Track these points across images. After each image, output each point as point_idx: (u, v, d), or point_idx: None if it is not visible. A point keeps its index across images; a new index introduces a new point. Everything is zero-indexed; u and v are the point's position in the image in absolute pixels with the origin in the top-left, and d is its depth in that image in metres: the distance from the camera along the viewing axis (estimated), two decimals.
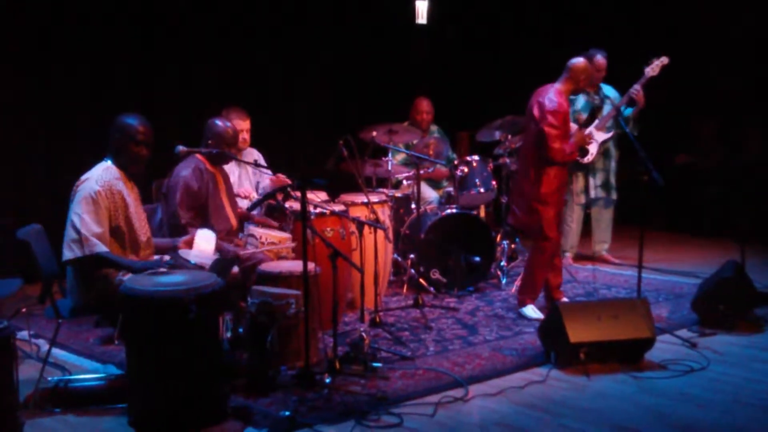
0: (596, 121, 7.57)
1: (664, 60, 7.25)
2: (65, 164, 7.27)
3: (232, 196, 5.70)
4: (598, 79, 7.59)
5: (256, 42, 8.56)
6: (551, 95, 5.87)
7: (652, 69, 7.25)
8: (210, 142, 5.47)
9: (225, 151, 5.48)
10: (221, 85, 8.09)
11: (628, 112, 7.49)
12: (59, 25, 7.33)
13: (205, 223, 5.30)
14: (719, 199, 9.62)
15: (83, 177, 4.73)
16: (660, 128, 9.71)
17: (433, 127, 7.96)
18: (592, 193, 7.77)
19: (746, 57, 9.85)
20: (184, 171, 5.36)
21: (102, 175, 4.68)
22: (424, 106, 7.81)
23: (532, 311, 6.11)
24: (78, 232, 4.53)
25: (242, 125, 6.32)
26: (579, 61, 5.99)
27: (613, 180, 7.79)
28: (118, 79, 7.58)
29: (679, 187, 9.77)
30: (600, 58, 7.55)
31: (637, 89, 7.30)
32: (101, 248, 4.55)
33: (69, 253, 4.56)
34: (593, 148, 7.56)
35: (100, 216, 4.59)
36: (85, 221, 4.53)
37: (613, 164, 7.78)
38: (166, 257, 4.84)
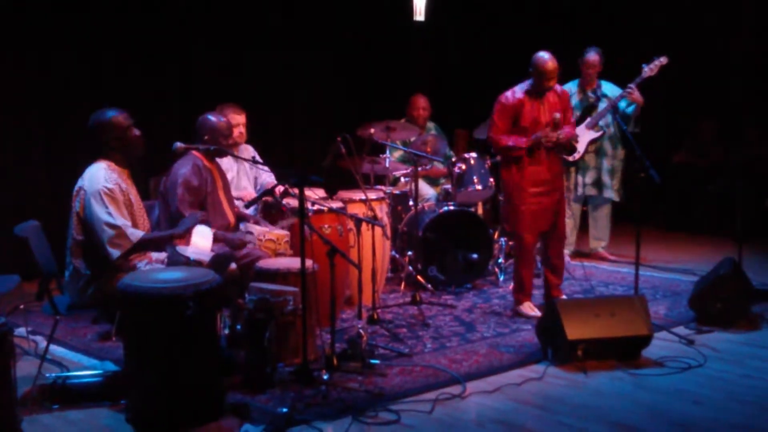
0: (587, 120, 7.58)
1: (663, 60, 7.26)
2: (63, 161, 7.27)
3: (229, 193, 5.69)
4: (591, 76, 7.60)
5: (253, 38, 8.55)
6: (512, 89, 6.05)
7: (651, 69, 7.26)
8: (206, 137, 5.44)
9: (222, 146, 5.47)
10: (219, 83, 8.08)
11: (631, 110, 7.48)
12: (57, 22, 7.32)
13: (204, 220, 5.29)
14: (717, 197, 9.62)
15: (85, 181, 4.69)
16: (659, 127, 9.74)
17: (431, 125, 7.96)
18: (579, 191, 7.77)
19: (746, 57, 9.86)
20: (183, 168, 5.34)
21: (107, 174, 4.69)
22: (421, 102, 7.82)
23: (528, 308, 6.12)
24: (115, 227, 4.59)
25: (238, 119, 6.30)
26: (537, 55, 5.90)
27: (606, 179, 7.77)
28: (116, 77, 7.56)
29: (677, 185, 9.78)
30: (591, 55, 7.55)
31: (631, 88, 7.30)
32: (139, 233, 4.67)
33: (117, 251, 4.60)
34: (581, 146, 7.58)
35: (122, 208, 4.67)
36: (115, 216, 4.60)
37: (607, 163, 7.75)
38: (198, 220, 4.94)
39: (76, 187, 4.71)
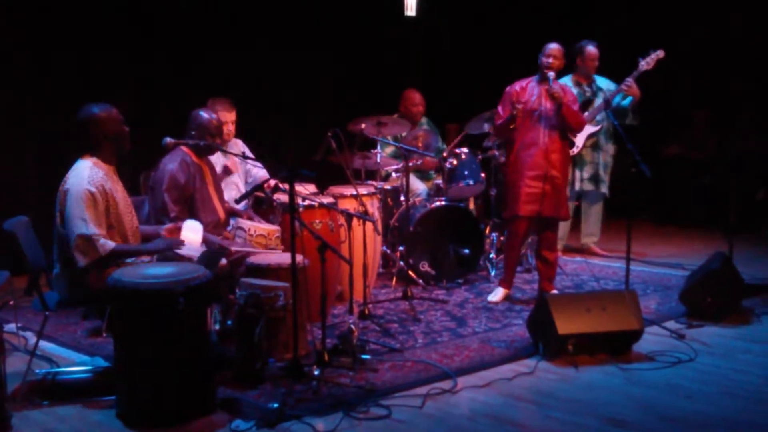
0: (584, 114, 7.58)
1: (660, 53, 7.26)
2: (53, 157, 7.22)
3: (219, 189, 5.67)
4: (592, 69, 7.62)
5: (244, 34, 8.52)
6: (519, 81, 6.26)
7: (647, 62, 7.26)
8: (193, 132, 5.43)
9: (211, 142, 5.45)
10: (210, 77, 8.05)
11: (627, 103, 7.50)
12: (48, 16, 7.28)
13: (193, 216, 5.27)
14: (708, 190, 9.65)
15: (69, 180, 4.56)
16: (650, 120, 9.75)
17: (423, 120, 7.95)
18: (577, 186, 7.78)
19: (740, 50, 9.88)
20: (171, 164, 5.32)
21: (91, 175, 4.53)
22: (416, 98, 7.81)
23: (493, 294, 6.38)
24: (86, 237, 4.42)
25: (228, 117, 6.26)
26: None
27: (602, 174, 7.80)
28: (108, 71, 7.53)
29: (668, 179, 9.80)
30: (591, 49, 7.58)
31: (629, 83, 7.30)
32: (110, 244, 4.48)
33: (84, 259, 4.44)
34: (579, 141, 7.58)
35: (99, 216, 4.50)
36: (89, 223, 4.43)
37: (602, 158, 7.78)
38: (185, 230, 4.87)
39: (62, 184, 4.62)
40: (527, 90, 6.15)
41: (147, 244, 4.76)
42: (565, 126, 6.11)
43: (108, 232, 4.54)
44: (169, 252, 4.77)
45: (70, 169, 4.65)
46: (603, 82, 7.67)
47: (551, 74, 6.10)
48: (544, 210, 6.11)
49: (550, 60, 6.12)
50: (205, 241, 5.08)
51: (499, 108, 6.24)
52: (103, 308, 4.92)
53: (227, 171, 6.22)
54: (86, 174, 4.54)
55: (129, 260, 4.69)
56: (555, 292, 6.24)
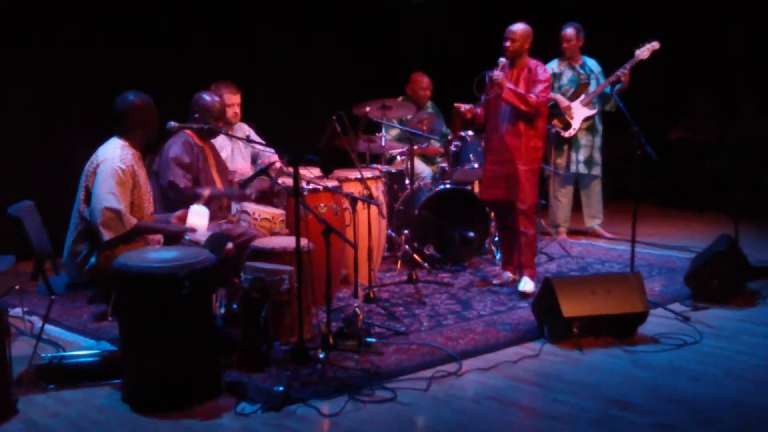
0: (582, 96, 7.59)
1: (655, 45, 7.28)
2: (58, 142, 7.25)
3: (223, 171, 5.67)
4: (568, 51, 7.67)
5: (249, 17, 8.50)
6: None
7: (642, 52, 7.28)
8: (196, 116, 5.44)
9: (214, 125, 5.46)
10: (214, 61, 8.03)
11: (608, 90, 7.52)
12: (47, 11, 7.25)
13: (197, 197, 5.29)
14: (713, 173, 9.63)
15: (100, 155, 4.67)
16: (655, 103, 9.73)
17: (428, 103, 7.93)
18: (572, 168, 7.78)
19: (743, 32, 9.85)
20: (174, 146, 5.35)
21: (122, 154, 4.65)
22: (425, 82, 7.80)
23: (500, 277, 6.47)
24: (115, 210, 4.52)
25: (233, 99, 6.26)
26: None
27: (597, 156, 7.82)
28: (110, 56, 7.51)
29: (674, 162, 9.78)
30: (566, 31, 7.62)
31: (626, 69, 7.31)
32: (133, 220, 4.61)
33: (109, 233, 4.53)
34: (576, 123, 7.60)
35: (126, 193, 4.61)
36: (118, 198, 4.54)
37: (598, 140, 7.79)
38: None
39: (91, 161, 4.68)
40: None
41: (166, 224, 4.88)
42: (518, 111, 5.91)
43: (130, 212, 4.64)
44: (184, 236, 4.82)
45: (78, 151, 4.71)
46: (593, 63, 7.73)
47: (501, 60, 5.97)
48: (501, 194, 6.04)
49: (507, 43, 5.97)
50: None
51: None
52: (109, 293, 4.93)
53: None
54: (118, 153, 4.65)
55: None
56: (526, 278, 6.09)
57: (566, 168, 7.78)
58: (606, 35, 7.84)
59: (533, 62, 6.02)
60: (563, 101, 7.53)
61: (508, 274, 6.36)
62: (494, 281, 6.40)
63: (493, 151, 6.07)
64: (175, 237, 4.91)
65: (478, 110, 6.17)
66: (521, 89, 5.89)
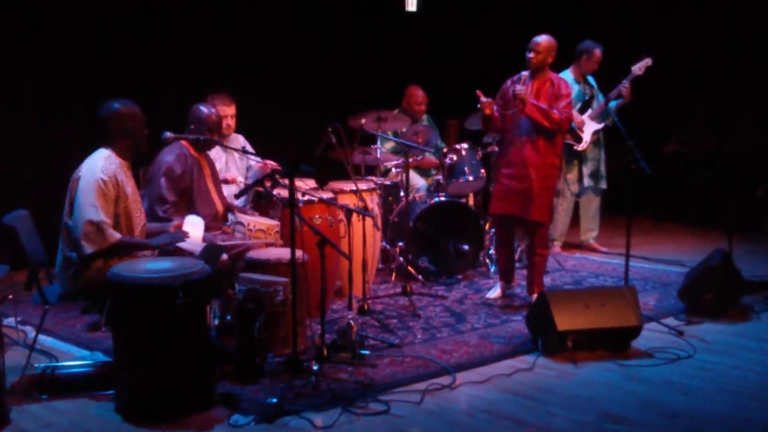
0: (589, 111, 7.63)
1: (648, 61, 7.38)
2: (54, 150, 7.25)
3: (218, 182, 5.68)
4: (591, 71, 7.70)
5: (246, 27, 8.52)
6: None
7: (639, 68, 7.35)
8: (192, 127, 5.47)
9: (209, 137, 5.47)
10: (210, 71, 8.04)
11: (612, 104, 7.56)
12: (49, 11, 7.27)
13: (191, 208, 5.29)
14: (707, 187, 9.65)
15: (84, 167, 4.63)
16: (650, 117, 9.75)
17: (424, 116, 7.95)
18: (585, 182, 7.81)
19: (737, 44, 9.88)
20: (168, 156, 5.37)
21: (105, 164, 4.60)
22: (420, 96, 7.81)
23: (491, 291, 6.41)
24: (95, 223, 4.47)
25: (227, 111, 6.28)
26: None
27: (603, 169, 7.86)
28: (107, 65, 7.52)
29: (668, 176, 9.80)
30: (599, 51, 7.67)
31: (626, 85, 7.37)
32: (117, 235, 4.54)
33: (91, 247, 4.48)
34: (587, 136, 7.63)
35: (108, 205, 4.54)
36: (99, 211, 4.48)
37: (603, 154, 7.84)
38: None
39: (75, 172, 4.67)
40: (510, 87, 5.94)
41: (151, 239, 4.78)
42: (539, 127, 5.80)
43: (115, 225, 4.58)
44: (171, 247, 4.79)
45: (75, 161, 4.70)
46: (591, 80, 7.78)
47: (523, 73, 5.84)
48: (514, 209, 5.92)
49: (530, 54, 5.86)
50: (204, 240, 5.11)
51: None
52: (103, 303, 4.91)
53: (225, 182, 6.18)
54: (100, 164, 4.61)
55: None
56: (535, 295, 5.96)
57: (578, 182, 7.81)
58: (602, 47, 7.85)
59: (555, 76, 5.96)
60: (577, 116, 7.56)
61: (500, 289, 6.33)
62: (489, 295, 6.36)
63: (508, 165, 5.95)
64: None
65: (495, 113, 6.00)
66: (543, 104, 5.80)
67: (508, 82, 6.03)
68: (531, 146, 5.87)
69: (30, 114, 7.33)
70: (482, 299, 6.34)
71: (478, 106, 5.93)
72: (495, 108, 6.02)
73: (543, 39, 5.89)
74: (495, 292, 6.35)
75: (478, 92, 5.93)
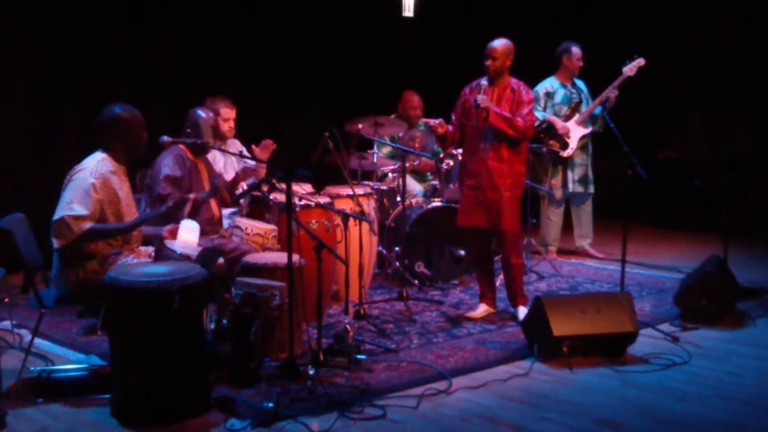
0: (576, 116, 7.63)
1: (641, 61, 7.35)
2: (51, 153, 7.24)
3: None
4: (577, 69, 7.71)
5: (242, 33, 8.52)
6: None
7: (630, 69, 7.34)
8: (189, 131, 5.49)
9: (207, 141, 5.48)
10: (207, 76, 8.04)
11: (598, 110, 7.58)
12: (45, 12, 7.26)
13: (188, 212, 5.29)
14: (703, 193, 9.67)
15: (77, 167, 4.72)
16: (645, 123, 9.78)
17: (420, 121, 7.96)
18: (570, 187, 7.82)
19: (731, 50, 9.91)
20: (166, 159, 5.42)
21: (97, 167, 4.68)
22: (416, 101, 7.81)
23: (472, 310, 6.05)
24: (65, 221, 4.54)
25: (229, 114, 6.33)
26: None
27: (590, 174, 7.88)
28: (104, 68, 7.53)
29: (663, 182, 9.82)
30: (576, 49, 7.67)
31: (614, 92, 7.36)
32: (87, 224, 4.58)
33: (59, 241, 4.58)
34: (573, 143, 7.63)
35: (91, 204, 4.61)
36: (73, 208, 4.55)
37: (590, 159, 7.85)
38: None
39: (68, 174, 4.72)
40: (475, 92, 5.68)
41: (127, 222, 4.81)
42: (502, 135, 5.59)
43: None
44: (159, 243, 4.82)
45: (72, 164, 4.75)
46: (581, 84, 7.78)
47: (483, 82, 5.66)
48: (482, 221, 5.72)
49: (488, 61, 5.64)
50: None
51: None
52: (99, 306, 4.92)
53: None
54: (92, 165, 4.69)
55: (130, 260, 4.71)
56: (521, 308, 5.81)
57: (562, 188, 7.82)
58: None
59: (515, 81, 5.73)
60: (559, 123, 7.55)
61: (485, 307, 6.00)
62: (468, 314, 5.99)
63: (471, 176, 5.73)
64: (160, 250, 4.89)
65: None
66: (506, 111, 5.60)
67: (466, 90, 5.84)
68: (494, 155, 5.64)
69: (25, 117, 7.32)
70: (462, 315, 6.04)
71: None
72: (453, 118, 5.88)
73: (499, 43, 5.67)
74: (476, 312, 6.00)
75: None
